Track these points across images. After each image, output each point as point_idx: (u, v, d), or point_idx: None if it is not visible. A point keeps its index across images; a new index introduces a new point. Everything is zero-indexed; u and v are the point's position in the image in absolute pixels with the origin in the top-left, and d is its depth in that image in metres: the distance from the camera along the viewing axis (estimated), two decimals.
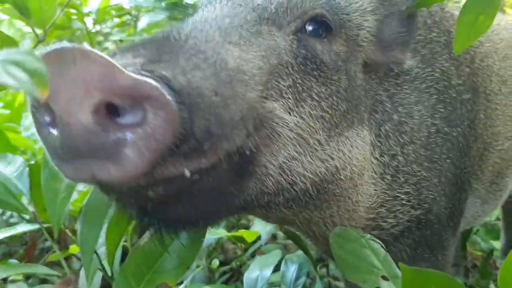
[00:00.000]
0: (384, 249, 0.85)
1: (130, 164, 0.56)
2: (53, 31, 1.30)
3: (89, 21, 2.56)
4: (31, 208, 1.06)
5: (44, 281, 1.69)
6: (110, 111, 0.56)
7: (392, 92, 1.10)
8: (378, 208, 1.06)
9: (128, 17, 2.79)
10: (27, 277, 1.70)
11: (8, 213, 1.83)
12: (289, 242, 2.05)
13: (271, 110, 0.76)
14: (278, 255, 1.45)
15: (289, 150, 0.79)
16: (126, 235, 1.17)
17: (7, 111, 2.19)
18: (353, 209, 1.01)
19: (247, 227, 2.00)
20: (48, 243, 1.96)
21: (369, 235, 0.88)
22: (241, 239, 1.68)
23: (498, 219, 2.34)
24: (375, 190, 1.04)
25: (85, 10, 2.49)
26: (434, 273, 0.73)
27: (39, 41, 1.28)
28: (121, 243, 1.08)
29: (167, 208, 0.70)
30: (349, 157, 0.92)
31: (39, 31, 1.30)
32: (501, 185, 1.53)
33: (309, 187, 0.84)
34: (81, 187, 1.27)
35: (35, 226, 1.00)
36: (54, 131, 0.59)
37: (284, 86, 0.80)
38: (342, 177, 0.91)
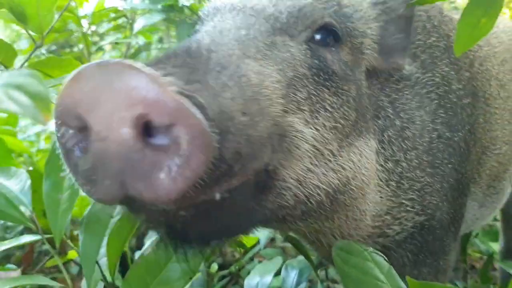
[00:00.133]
0: (388, 262, 0.85)
1: (163, 189, 0.55)
2: (49, 34, 1.28)
3: (84, 23, 2.54)
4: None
5: None
6: (146, 130, 0.55)
7: (393, 97, 1.10)
8: (384, 215, 1.05)
9: (123, 19, 2.77)
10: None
11: None
12: (288, 245, 2.04)
13: (291, 124, 0.76)
14: (278, 262, 1.45)
15: (305, 163, 0.78)
16: None
17: (4, 114, 2.16)
18: (360, 218, 1.01)
19: None
20: (45, 247, 1.95)
21: (371, 248, 0.88)
22: (240, 244, 1.67)
23: (496, 219, 2.34)
24: (380, 197, 1.04)
25: (81, 12, 2.47)
26: (441, 287, 0.72)
27: (37, 46, 1.27)
28: None
29: (195, 226, 0.69)
30: (359, 167, 0.92)
31: (33, 34, 1.27)
32: (498, 188, 1.53)
33: (324, 198, 0.84)
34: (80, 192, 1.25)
35: (37, 237, 0.99)
36: (82, 153, 0.58)
37: (301, 99, 0.80)
38: (353, 187, 0.91)
